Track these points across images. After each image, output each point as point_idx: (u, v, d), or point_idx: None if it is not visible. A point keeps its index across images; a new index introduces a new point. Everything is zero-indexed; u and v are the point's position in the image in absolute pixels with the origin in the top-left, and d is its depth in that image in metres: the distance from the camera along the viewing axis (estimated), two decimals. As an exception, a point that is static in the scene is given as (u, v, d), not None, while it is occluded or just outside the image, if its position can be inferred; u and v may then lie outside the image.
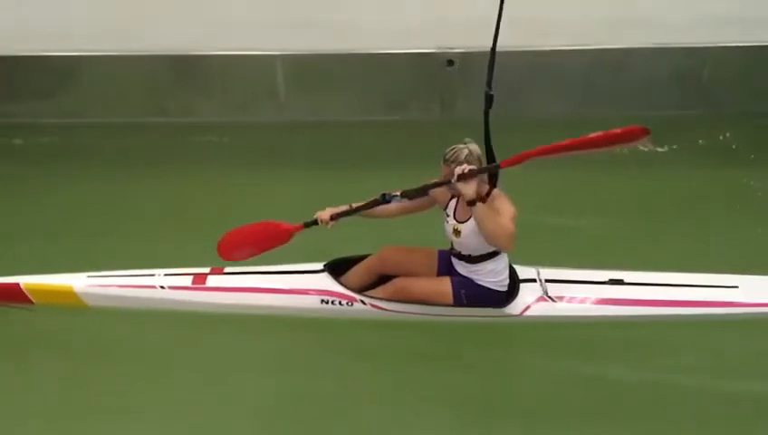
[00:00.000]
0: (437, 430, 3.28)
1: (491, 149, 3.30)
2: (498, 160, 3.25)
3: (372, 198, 3.50)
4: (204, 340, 3.69)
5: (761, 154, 5.46)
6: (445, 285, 3.51)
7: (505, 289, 3.51)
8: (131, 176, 5.20)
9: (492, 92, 3.27)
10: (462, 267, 3.51)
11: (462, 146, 3.26)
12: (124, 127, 5.89)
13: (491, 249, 3.38)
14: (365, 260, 3.70)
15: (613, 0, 5.59)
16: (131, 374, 3.50)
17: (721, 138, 5.70)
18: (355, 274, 3.69)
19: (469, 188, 3.17)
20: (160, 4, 5.60)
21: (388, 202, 3.47)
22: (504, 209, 3.19)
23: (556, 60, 5.77)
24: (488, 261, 3.43)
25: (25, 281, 3.71)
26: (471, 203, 3.17)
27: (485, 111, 3.29)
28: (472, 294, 3.48)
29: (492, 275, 3.46)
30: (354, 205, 3.55)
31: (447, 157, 3.25)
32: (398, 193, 3.46)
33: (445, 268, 3.58)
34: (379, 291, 3.62)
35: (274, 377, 3.52)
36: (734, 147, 5.62)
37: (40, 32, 5.63)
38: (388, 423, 3.31)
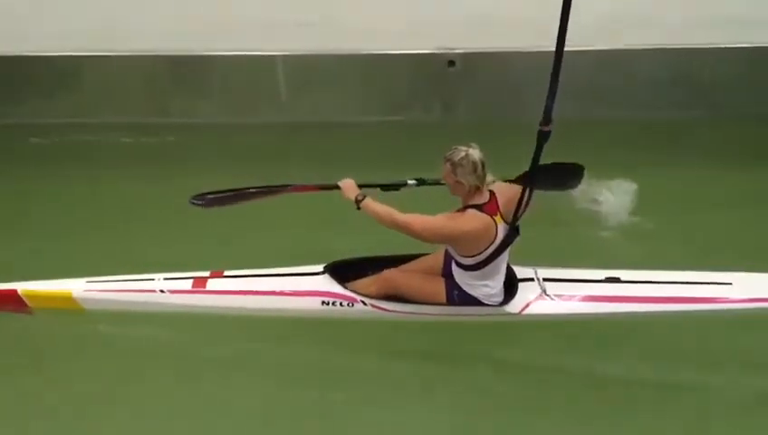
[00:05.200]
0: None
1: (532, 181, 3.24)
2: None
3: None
4: (203, 340, 3.71)
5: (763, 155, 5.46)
6: (438, 284, 3.54)
7: (495, 304, 3.52)
8: (131, 176, 5.21)
9: (548, 129, 3.00)
10: (453, 269, 3.53)
11: (462, 148, 3.27)
12: (124, 127, 5.89)
13: (465, 261, 3.40)
14: (375, 278, 3.67)
15: (614, 1, 5.59)
16: (130, 374, 3.52)
17: (722, 140, 5.69)
18: (362, 289, 3.66)
19: (348, 194, 3.44)
20: (162, 5, 5.62)
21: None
22: (434, 217, 3.30)
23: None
24: (469, 271, 3.44)
25: (23, 287, 3.67)
26: (357, 208, 3.41)
27: (537, 152, 3.11)
28: (464, 298, 3.51)
29: (475, 288, 3.47)
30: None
31: (446, 155, 3.28)
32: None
33: (448, 268, 3.59)
34: (369, 284, 3.63)
35: (274, 378, 3.54)
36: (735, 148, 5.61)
37: (41, 32, 5.65)
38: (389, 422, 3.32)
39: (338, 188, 3.51)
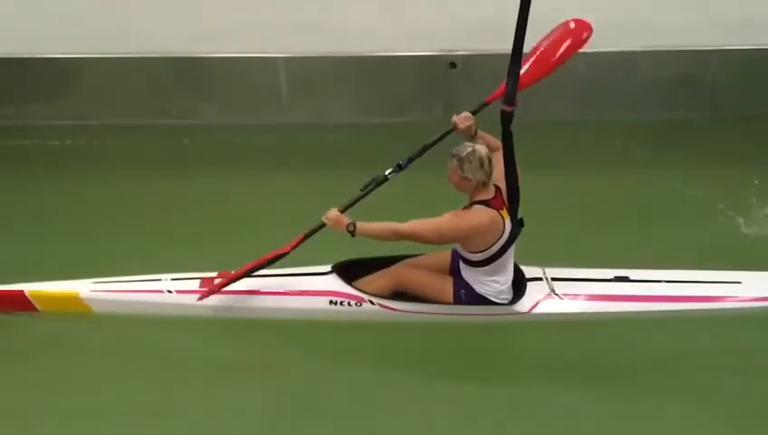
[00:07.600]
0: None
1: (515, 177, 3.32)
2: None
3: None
4: (206, 341, 3.70)
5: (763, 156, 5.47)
6: (446, 282, 3.56)
7: (504, 302, 3.53)
8: (133, 178, 5.20)
9: (510, 109, 3.09)
10: (461, 267, 3.55)
11: (468, 144, 3.31)
12: (126, 129, 5.88)
13: (474, 257, 3.42)
14: (382, 273, 3.68)
15: (616, 2, 5.60)
16: (131, 375, 3.51)
17: (724, 140, 5.70)
18: (370, 285, 3.67)
19: (338, 228, 3.36)
20: (163, 7, 5.62)
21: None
22: (439, 218, 3.30)
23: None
24: (478, 268, 3.45)
25: (30, 288, 3.66)
26: (351, 235, 3.33)
27: (504, 132, 3.20)
28: (471, 297, 3.52)
29: (484, 285, 3.49)
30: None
31: (452, 151, 3.31)
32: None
33: (456, 267, 3.61)
34: (375, 280, 3.64)
35: (277, 378, 3.53)
36: (736, 149, 5.62)
37: (42, 34, 5.64)
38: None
39: (324, 226, 3.45)
